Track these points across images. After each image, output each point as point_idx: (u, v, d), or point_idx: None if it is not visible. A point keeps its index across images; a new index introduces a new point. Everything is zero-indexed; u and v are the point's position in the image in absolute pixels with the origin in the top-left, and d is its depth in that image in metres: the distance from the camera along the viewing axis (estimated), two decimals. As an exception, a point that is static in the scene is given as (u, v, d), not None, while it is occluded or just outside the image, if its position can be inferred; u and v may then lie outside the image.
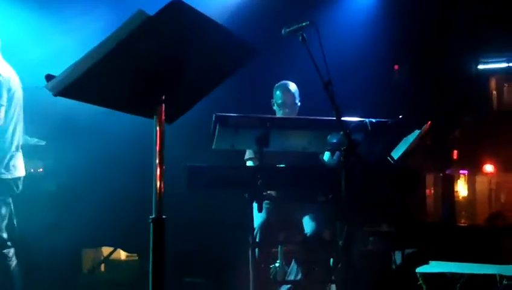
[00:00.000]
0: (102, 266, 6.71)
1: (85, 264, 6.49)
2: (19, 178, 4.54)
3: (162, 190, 2.01)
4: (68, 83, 1.78)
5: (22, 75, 4.79)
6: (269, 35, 4.73)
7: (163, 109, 1.99)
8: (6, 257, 4.43)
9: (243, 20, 5.75)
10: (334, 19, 6.18)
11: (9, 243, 4.47)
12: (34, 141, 5.56)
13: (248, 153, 4.56)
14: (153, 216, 2.00)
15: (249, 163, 4.52)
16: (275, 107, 4.70)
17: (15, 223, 4.73)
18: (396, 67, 7.14)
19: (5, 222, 4.46)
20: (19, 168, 4.54)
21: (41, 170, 5.63)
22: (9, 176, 4.44)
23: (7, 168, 4.45)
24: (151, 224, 2.00)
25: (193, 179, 3.55)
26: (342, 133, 3.29)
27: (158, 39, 1.83)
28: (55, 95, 1.81)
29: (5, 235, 4.44)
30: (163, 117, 2.00)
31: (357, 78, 6.01)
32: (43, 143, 5.58)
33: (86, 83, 1.80)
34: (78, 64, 1.77)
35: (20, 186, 4.58)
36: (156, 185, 2.01)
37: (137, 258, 6.73)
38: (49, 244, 5.34)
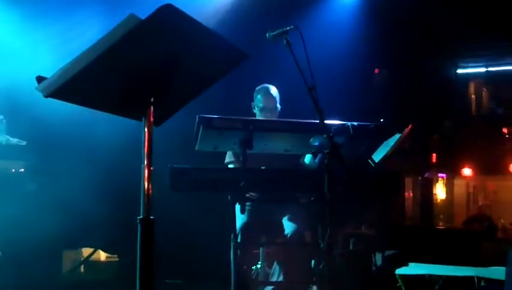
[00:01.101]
0: (82, 267, 6.70)
1: (65, 265, 6.46)
2: None
3: (150, 191, 2.03)
4: (59, 85, 1.80)
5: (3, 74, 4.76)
6: (252, 39, 4.76)
7: (152, 111, 2.02)
8: None
9: (227, 24, 5.77)
10: (316, 23, 6.22)
11: None
12: (15, 141, 5.54)
13: (228, 156, 4.57)
14: (141, 216, 2.02)
15: (230, 166, 4.51)
16: (255, 110, 4.69)
17: None
18: (376, 71, 7.20)
19: None
20: None
21: (22, 170, 5.59)
22: None
23: None
24: (139, 224, 2.02)
25: (176, 180, 3.54)
26: (325, 136, 3.32)
27: (149, 43, 1.86)
28: (46, 97, 1.83)
29: None
30: (151, 119, 2.03)
31: (338, 81, 6.04)
32: (23, 143, 5.56)
33: (76, 85, 1.82)
34: (69, 67, 1.79)
35: None
36: (144, 186, 2.03)
37: (117, 259, 6.73)
38: (30, 245, 5.31)
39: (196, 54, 1.99)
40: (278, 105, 4.69)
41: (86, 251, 6.70)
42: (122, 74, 1.91)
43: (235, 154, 4.44)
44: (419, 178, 7.52)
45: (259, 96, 4.68)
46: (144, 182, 2.03)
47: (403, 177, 7.21)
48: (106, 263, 6.98)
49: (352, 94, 6.28)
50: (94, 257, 6.77)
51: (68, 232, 5.74)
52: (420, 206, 7.50)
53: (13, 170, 5.53)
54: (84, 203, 5.54)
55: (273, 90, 4.71)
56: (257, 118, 4.63)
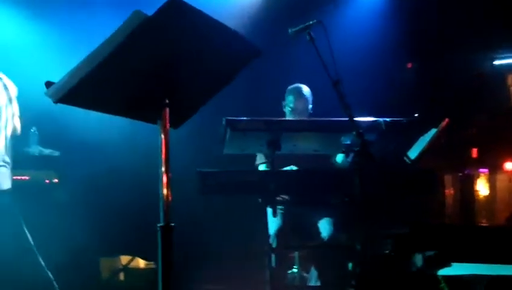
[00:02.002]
0: (121, 275, 6.72)
1: (103, 273, 6.49)
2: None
3: (170, 197, 1.97)
4: (67, 90, 1.73)
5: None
6: (275, 37, 4.69)
7: (167, 113, 1.94)
8: None
9: (249, 23, 5.72)
10: (342, 17, 6.14)
11: None
12: (47, 151, 5.58)
13: (259, 158, 4.51)
14: (161, 224, 1.97)
15: (261, 167, 4.45)
16: (285, 110, 4.63)
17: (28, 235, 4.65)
18: (409, 65, 7.04)
19: None
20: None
21: (56, 180, 5.61)
22: None
23: None
24: (159, 232, 1.96)
25: (205, 184, 3.52)
26: (354, 133, 3.22)
27: (157, 40, 1.78)
28: (56, 102, 1.76)
29: None
30: (167, 121, 1.95)
31: (368, 76, 5.94)
32: (56, 154, 5.60)
33: (85, 88, 1.75)
34: (77, 70, 1.72)
35: (6, 201, 4.35)
36: (162, 192, 1.96)
37: (155, 266, 6.72)
38: (67, 254, 5.33)
39: (208, 50, 1.90)
40: (310, 106, 4.60)
41: (124, 259, 6.72)
42: (132, 75, 1.84)
43: (265, 156, 4.37)
44: (459, 174, 7.31)
45: (290, 96, 4.62)
46: (162, 189, 1.96)
47: (443, 174, 7.04)
48: (145, 270, 6.98)
49: (383, 90, 6.15)
50: (133, 264, 6.78)
51: (105, 241, 5.76)
52: (461, 204, 7.29)
53: (47, 181, 5.54)
54: (120, 211, 5.55)
55: (305, 90, 4.64)
56: (287, 117, 4.56)
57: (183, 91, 1.98)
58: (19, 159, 5.26)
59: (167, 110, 1.95)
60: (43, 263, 4.55)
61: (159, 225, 1.97)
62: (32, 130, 5.60)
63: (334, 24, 5.10)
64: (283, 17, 5.66)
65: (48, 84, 1.76)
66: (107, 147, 5.61)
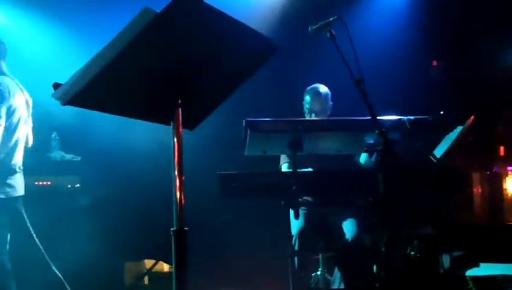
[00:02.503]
0: (146, 279, 6.72)
1: (127, 277, 6.49)
2: (16, 198, 4.40)
3: (183, 201, 1.92)
4: (76, 92, 1.67)
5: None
6: (296, 37, 4.63)
7: (180, 113, 1.87)
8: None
9: (269, 24, 5.67)
10: (364, 14, 6.06)
11: (8, 268, 4.33)
12: (69, 156, 5.60)
13: (282, 158, 4.46)
14: (174, 228, 1.93)
15: (284, 166, 4.41)
16: (304, 111, 4.57)
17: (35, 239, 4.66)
18: (434, 63, 6.92)
19: (6, 246, 4.35)
20: (17, 188, 4.41)
21: (78, 185, 5.61)
22: (3, 196, 4.31)
23: (3, 188, 4.33)
24: (173, 236, 1.93)
25: (225, 187, 3.48)
26: (377, 131, 3.13)
27: (168, 38, 1.71)
28: (64, 104, 1.71)
29: (4, 258, 4.32)
30: (180, 122, 1.88)
31: (392, 75, 5.85)
32: (78, 159, 5.61)
33: (94, 90, 1.69)
34: (85, 71, 1.66)
35: (19, 207, 4.44)
36: (176, 196, 1.92)
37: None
38: (90, 259, 5.33)
39: (222, 47, 1.84)
40: (328, 105, 4.53)
41: (149, 263, 6.72)
42: (143, 74, 1.78)
43: (288, 156, 4.31)
44: (487, 173, 7.18)
45: (307, 97, 4.58)
46: (175, 192, 1.91)
47: (471, 173, 6.92)
48: (169, 274, 6.97)
49: (407, 88, 6.06)
50: (157, 268, 6.78)
51: (129, 245, 5.74)
52: (489, 203, 7.16)
53: (69, 186, 5.55)
54: (143, 215, 5.53)
55: (323, 89, 4.57)
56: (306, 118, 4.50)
57: (197, 91, 1.92)
58: (41, 165, 5.29)
59: (179, 110, 1.89)
60: (53, 266, 4.63)
61: (172, 229, 1.92)
62: (53, 136, 5.64)
63: (356, 22, 5.02)
64: (303, 17, 5.59)
65: (56, 85, 1.70)
66: (129, 151, 5.58)
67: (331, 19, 3.28)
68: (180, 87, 1.85)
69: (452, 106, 5.86)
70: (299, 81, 4.88)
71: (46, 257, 4.69)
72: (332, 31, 3.25)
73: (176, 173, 1.90)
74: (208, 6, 1.66)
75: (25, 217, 4.48)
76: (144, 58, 1.74)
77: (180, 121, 1.88)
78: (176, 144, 1.89)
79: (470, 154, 6.26)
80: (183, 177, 1.91)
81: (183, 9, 1.62)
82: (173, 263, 1.93)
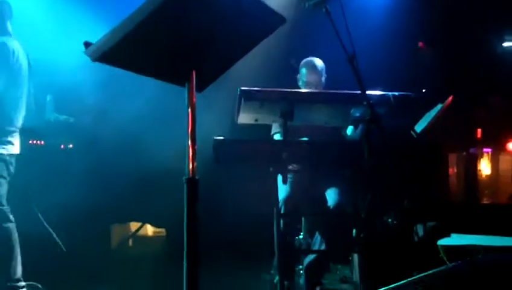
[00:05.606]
0: (130, 241, 6.85)
1: (114, 239, 6.62)
2: (14, 155, 4.55)
3: (195, 151, 2.06)
4: (105, 50, 1.89)
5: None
6: (293, 11, 4.73)
7: (194, 75, 2.08)
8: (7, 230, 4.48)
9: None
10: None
11: (11, 218, 4.50)
12: (63, 117, 5.68)
13: (274, 127, 4.61)
14: (187, 177, 2.06)
15: (277, 136, 4.55)
16: (300, 83, 4.75)
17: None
18: (421, 44, 7.10)
19: (5, 197, 4.50)
20: (16, 146, 4.57)
21: (71, 146, 5.72)
22: (5, 152, 4.47)
23: (5, 144, 4.48)
24: (185, 184, 2.06)
25: (220, 153, 3.50)
26: (365, 103, 3.32)
27: (190, 6, 1.92)
28: (94, 61, 1.92)
29: (5, 208, 4.49)
30: (194, 84, 2.08)
31: (381, 54, 5.98)
32: (71, 120, 5.68)
33: (120, 50, 1.90)
34: (113, 33, 1.87)
35: (13, 165, 4.56)
36: (188, 147, 2.06)
37: (164, 233, 6.85)
38: (79, 220, 5.44)
39: (234, 17, 2.03)
40: (323, 79, 4.71)
41: (134, 225, 6.83)
42: (162, 40, 1.98)
43: (280, 126, 4.47)
44: (464, 153, 7.43)
45: (303, 70, 4.73)
46: (188, 143, 2.06)
47: (447, 153, 7.14)
48: (154, 238, 7.11)
49: (395, 67, 6.21)
50: (142, 231, 6.90)
51: (116, 207, 5.85)
52: (465, 182, 7.42)
53: (62, 146, 5.65)
54: (132, 178, 5.64)
55: (318, 62, 4.73)
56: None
57: (209, 55, 2.11)
58: (35, 125, 5.37)
59: (194, 72, 2.09)
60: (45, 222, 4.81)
61: (185, 177, 2.06)
62: (48, 98, 5.71)
63: (350, 2, 5.16)
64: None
65: (87, 44, 1.92)
66: (124, 113, 5.66)
67: None
68: (196, 52, 2.06)
69: (437, 86, 6.07)
70: (292, 54, 5.01)
71: (38, 212, 4.84)
72: (327, 7, 3.42)
73: (189, 131, 2.06)
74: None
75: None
76: (163, 27, 1.94)
77: (194, 82, 2.08)
78: (190, 100, 2.08)
79: (448, 135, 6.44)
80: (195, 133, 2.08)
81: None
82: (185, 212, 2.06)
